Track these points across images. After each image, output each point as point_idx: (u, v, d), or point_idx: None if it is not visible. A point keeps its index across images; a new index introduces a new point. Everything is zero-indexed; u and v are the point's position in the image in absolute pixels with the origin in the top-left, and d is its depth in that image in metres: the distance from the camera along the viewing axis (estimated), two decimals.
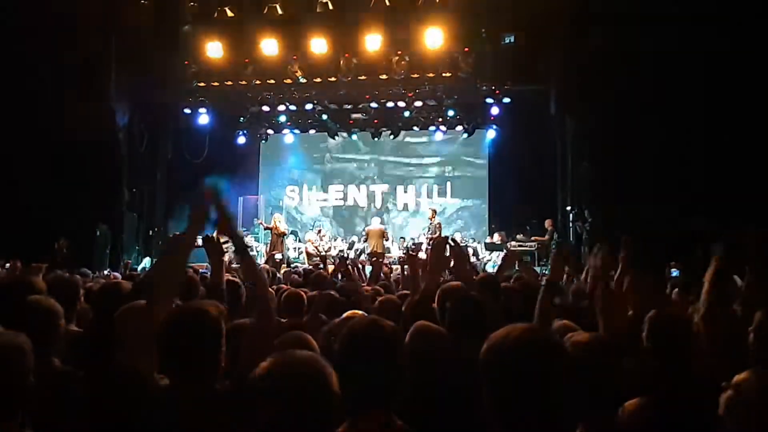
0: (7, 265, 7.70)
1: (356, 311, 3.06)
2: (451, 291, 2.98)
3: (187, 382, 1.96)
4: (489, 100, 12.99)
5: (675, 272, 6.42)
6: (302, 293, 3.90)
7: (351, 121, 14.87)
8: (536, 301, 2.61)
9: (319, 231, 14.31)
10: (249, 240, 14.00)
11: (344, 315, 2.92)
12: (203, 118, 13.93)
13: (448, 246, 3.82)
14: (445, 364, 2.37)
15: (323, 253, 12.77)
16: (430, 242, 12.66)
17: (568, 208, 12.09)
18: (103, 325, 2.75)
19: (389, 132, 14.97)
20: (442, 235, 12.73)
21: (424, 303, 3.09)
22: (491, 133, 14.73)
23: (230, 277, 3.46)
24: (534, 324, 2.16)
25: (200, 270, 5.61)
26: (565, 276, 4.10)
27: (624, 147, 10.08)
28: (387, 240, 13.13)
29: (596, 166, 10.75)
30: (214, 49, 12.21)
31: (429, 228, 12.79)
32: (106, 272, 9.93)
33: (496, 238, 13.41)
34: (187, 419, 1.89)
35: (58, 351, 2.47)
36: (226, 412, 1.89)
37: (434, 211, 13.03)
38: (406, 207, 16.56)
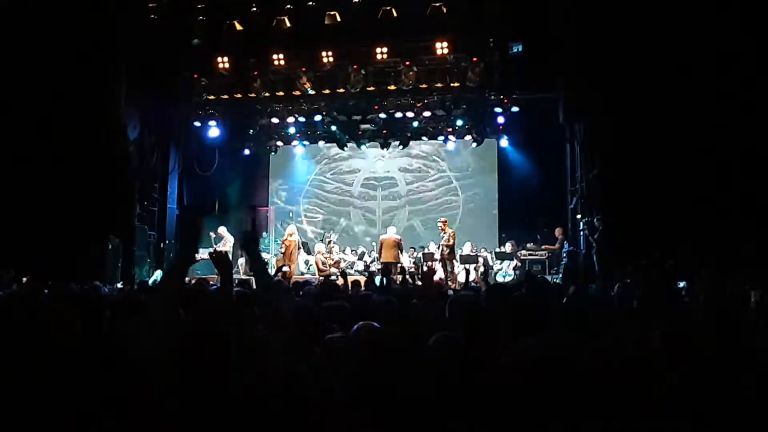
0: (24, 280, 7.77)
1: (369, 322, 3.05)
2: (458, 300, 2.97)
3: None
4: (497, 110, 12.97)
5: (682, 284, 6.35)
6: (311, 304, 3.90)
7: (360, 132, 14.89)
8: (543, 310, 2.60)
9: (329, 242, 14.31)
10: None
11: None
12: (213, 131, 14.02)
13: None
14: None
15: (339, 266, 12.79)
16: (440, 249, 12.64)
17: (579, 216, 12.02)
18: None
19: (398, 142, 14.99)
20: (455, 243, 12.69)
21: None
22: (502, 142, 14.72)
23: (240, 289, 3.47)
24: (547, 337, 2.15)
25: (210, 282, 5.62)
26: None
27: (634, 155, 10.01)
28: (401, 250, 13.09)
29: (606, 174, 10.68)
30: (223, 63, 12.32)
31: (442, 238, 12.72)
32: (119, 285, 9.99)
33: (507, 247, 13.36)
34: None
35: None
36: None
37: (445, 221, 12.99)
38: (415, 217, 16.57)
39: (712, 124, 9.47)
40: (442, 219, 13.17)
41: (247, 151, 15.39)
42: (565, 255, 12.09)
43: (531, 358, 1.44)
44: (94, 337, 3.15)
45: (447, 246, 12.44)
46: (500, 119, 13.24)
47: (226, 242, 13.29)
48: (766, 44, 9.09)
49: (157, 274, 12.47)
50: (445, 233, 12.61)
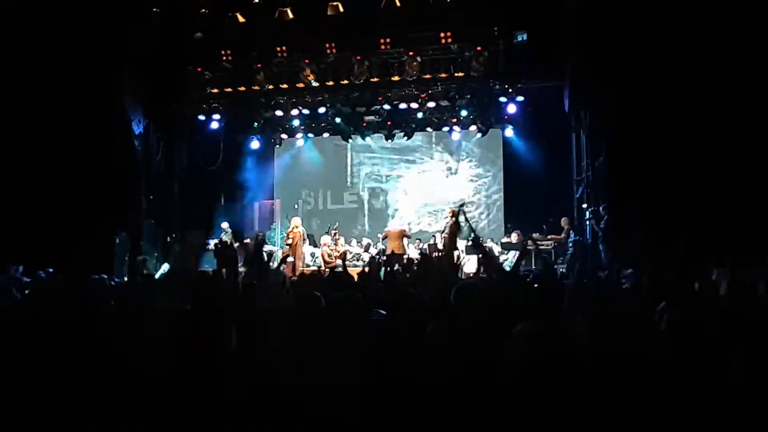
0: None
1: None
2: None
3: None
4: (502, 99, 12.90)
5: None
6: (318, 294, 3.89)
7: (364, 124, 14.86)
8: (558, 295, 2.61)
9: (335, 234, 14.30)
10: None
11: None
12: (217, 125, 14.00)
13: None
14: None
15: (345, 257, 12.80)
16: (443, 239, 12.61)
17: (584, 205, 11.97)
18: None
19: (403, 133, 14.94)
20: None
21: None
22: (507, 132, 14.65)
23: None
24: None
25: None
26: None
27: (640, 143, 9.96)
28: (408, 238, 13.08)
29: (612, 163, 10.63)
30: (226, 55, 12.29)
31: (446, 228, 12.71)
32: (126, 279, 10.05)
33: (513, 237, 13.33)
34: None
35: None
36: None
37: (453, 211, 12.92)
38: (422, 207, 16.54)
39: (719, 112, 9.40)
40: (452, 209, 13.14)
41: (256, 144, 15.36)
42: (571, 245, 12.05)
43: (531, 341, 1.43)
44: (97, 331, 3.16)
45: (452, 233, 12.39)
46: (505, 109, 13.14)
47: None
48: None
49: (164, 268, 12.52)
50: (449, 222, 12.59)
